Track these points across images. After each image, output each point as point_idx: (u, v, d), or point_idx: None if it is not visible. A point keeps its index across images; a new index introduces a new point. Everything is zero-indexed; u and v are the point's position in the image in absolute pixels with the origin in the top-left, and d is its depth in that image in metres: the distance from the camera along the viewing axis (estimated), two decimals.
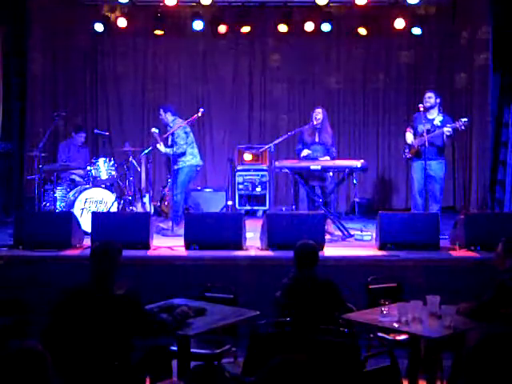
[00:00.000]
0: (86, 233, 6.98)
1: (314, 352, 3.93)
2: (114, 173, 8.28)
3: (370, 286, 5.02)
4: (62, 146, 9.03)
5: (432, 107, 7.54)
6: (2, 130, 9.18)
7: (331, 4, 9.55)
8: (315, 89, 10.45)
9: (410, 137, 7.65)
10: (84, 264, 3.87)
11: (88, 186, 7.99)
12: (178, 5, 9.43)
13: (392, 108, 10.38)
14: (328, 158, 7.74)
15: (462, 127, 7.32)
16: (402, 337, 4.48)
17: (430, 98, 7.54)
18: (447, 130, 7.33)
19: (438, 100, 7.59)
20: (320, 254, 4.83)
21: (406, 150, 7.71)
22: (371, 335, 4.80)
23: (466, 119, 7.32)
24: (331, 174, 7.83)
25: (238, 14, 9.84)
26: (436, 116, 7.53)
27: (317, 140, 7.95)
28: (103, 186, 8.04)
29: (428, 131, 7.32)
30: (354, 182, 9.45)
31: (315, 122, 7.92)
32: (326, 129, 7.96)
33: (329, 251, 6.36)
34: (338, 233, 7.34)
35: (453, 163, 10.18)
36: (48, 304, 3.78)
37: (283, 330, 4.10)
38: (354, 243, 7.08)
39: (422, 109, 7.44)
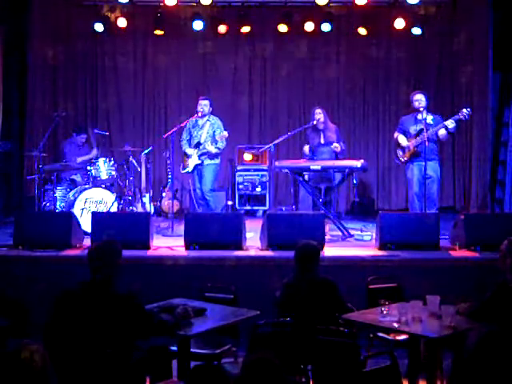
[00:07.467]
0: (85, 233, 6.98)
1: (314, 352, 3.94)
2: (114, 173, 8.28)
3: (370, 286, 5.03)
4: (65, 144, 8.98)
5: (425, 108, 7.52)
6: (2, 130, 9.17)
7: (331, 4, 9.55)
8: (315, 89, 10.45)
9: (404, 139, 7.61)
10: (84, 264, 3.86)
11: (88, 186, 8.00)
12: (178, 5, 9.42)
13: (392, 108, 10.37)
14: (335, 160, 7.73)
15: (467, 117, 7.31)
16: (402, 337, 4.48)
17: (421, 98, 7.51)
18: (450, 122, 7.31)
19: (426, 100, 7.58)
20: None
21: (401, 154, 7.65)
22: (371, 335, 4.80)
23: (468, 109, 7.31)
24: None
25: (238, 14, 9.85)
26: (426, 116, 7.48)
27: (322, 142, 7.95)
28: (103, 186, 8.04)
29: (427, 130, 7.31)
30: (354, 182, 9.45)
31: (315, 123, 7.92)
32: (328, 128, 7.95)
33: (329, 251, 6.35)
34: (338, 233, 7.34)
35: (453, 163, 10.18)
36: (48, 304, 3.78)
37: (283, 330, 4.10)
38: (354, 243, 7.06)
39: (421, 108, 7.45)
